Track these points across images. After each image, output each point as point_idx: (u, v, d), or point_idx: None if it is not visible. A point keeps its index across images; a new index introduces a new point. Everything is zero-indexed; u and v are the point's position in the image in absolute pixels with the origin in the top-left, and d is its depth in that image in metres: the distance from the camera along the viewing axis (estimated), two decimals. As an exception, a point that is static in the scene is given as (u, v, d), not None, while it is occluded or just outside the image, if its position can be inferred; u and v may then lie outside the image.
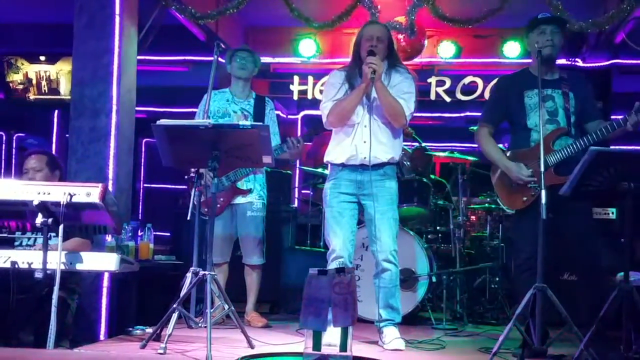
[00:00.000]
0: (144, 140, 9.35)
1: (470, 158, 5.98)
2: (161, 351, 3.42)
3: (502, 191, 4.01)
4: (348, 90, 4.08)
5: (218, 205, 4.76)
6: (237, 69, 4.94)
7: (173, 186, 8.63)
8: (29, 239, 3.84)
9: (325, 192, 4.22)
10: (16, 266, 3.32)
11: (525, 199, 3.81)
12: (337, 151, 4.12)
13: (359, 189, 4.09)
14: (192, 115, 5.00)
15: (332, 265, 4.00)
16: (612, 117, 5.15)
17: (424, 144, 6.22)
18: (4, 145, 9.48)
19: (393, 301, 4.11)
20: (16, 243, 3.84)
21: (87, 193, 3.26)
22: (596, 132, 3.72)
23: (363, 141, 4.01)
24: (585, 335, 3.33)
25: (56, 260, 3.24)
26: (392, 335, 3.99)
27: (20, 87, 7.82)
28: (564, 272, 4.81)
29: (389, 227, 4.08)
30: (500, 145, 4.13)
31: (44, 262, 3.23)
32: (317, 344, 3.05)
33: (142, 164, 9.64)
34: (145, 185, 9.70)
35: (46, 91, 7.75)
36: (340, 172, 4.12)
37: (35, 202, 3.23)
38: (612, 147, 3.82)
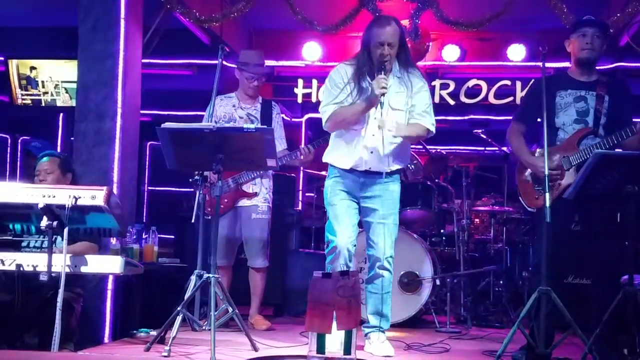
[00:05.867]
0: (149, 144, 9.36)
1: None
2: (165, 354, 3.43)
3: (525, 189, 4.01)
4: (354, 91, 3.88)
5: (221, 206, 4.78)
6: (247, 87, 4.95)
7: (177, 189, 8.65)
8: (35, 241, 3.85)
9: (326, 189, 4.07)
10: (21, 269, 3.33)
11: None
12: (340, 156, 3.99)
13: (361, 191, 3.97)
14: (197, 119, 5.02)
15: (333, 265, 3.89)
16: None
17: (441, 148, 6.24)
18: (9, 148, 9.51)
19: (384, 308, 3.97)
20: (23, 244, 3.85)
21: (92, 196, 3.27)
22: (616, 134, 3.72)
23: (370, 151, 3.89)
24: (590, 338, 3.33)
25: (61, 263, 3.25)
26: (379, 339, 3.89)
27: (25, 90, 7.83)
28: (573, 275, 4.82)
29: (389, 232, 3.97)
30: None
31: (49, 265, 3.24)
32: (321, 347, 3.06)
33: (147, 166, 9.65)
34: (149, 188, 9.71)
35: (52, 94, 7.77)
36: (345, 172, 3.99)
37: (40, 205, 3.24)
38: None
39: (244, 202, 4.88)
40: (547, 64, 3.70)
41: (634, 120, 3.83)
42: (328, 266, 3.94)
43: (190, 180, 4.06)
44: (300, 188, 8.14)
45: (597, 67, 4.01)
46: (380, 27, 3.85)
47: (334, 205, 3.99)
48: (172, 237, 6.86)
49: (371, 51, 3.88)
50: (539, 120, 4.02)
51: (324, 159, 4.11)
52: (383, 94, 3.72)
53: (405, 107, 3.97)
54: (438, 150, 6.37)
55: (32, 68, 7.72)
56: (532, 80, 4.35)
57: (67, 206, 3.23)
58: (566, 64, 4.08)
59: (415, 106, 3.99)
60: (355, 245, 4.01)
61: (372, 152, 3.90)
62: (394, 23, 3.88)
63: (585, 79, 3.94)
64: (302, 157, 4.76)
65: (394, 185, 4.02)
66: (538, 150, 3.98)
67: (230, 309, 3.77)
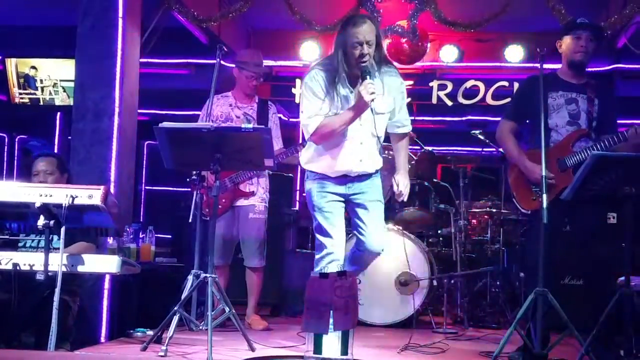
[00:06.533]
0: (146, 143, 9.35)
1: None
2: (162, 354, 3.43)
3: (519, 190, 3.99)
4: (335, 99, 3.72)
5: (219, 206, 4.77)
6: (246, 86, 4.96)
7: (174, 189, 8.64)
8: (32, 240, 3.85)
9: (310, 192, 3.89)
10: (18, 268, 3.33)
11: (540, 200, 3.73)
12: (327, 165, 3.83)
13: (349, 189, 3.85)
14: (194, 118, 5.01)
15: (330, 268, 3.76)
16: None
17: (430, 149, 6.24)
18: (6, 147, 9.49)
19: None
20: (20, 244, 3.85)
21: (89, 195, 3.27)
22: (608, 139, 3.74)
23: (359, 160, 3.79)
24: (586, 339, 3.33)
25: (58, 263, 3.25)
26: None
27: (23, 89, 7.82)
28: (570, 276, 4.83)
29: (381, 220, 3.89)
30: None
31: (46, 264, 3.24)
32: (318, 347, 3.06)
33: (144, 166, 9.65)
34: (147, 187, 9.72)
35: (50, 93, 7.77)
36: (331, 177, 3.86)
37: (37, 204, 3.23)
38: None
39: (241, 202, 4.88)
40: (545, 66, 3.69)
41: (619, 121, 3.86)
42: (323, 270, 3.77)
43: (188, 180, 4.05)
44: (298, 188, 8.15)
45: (596, 69, 4.03)
46: (356, 26, 3.64)
47: (323, 208, 3.85)
48: (169, 236, 6.87)
49: (348, 53, 3.67)
50: (527, 121, 4.04)
51: (305, 166, 3.95)
52: (373, 100, 3.55)
53: (388, 109, 3.86)
54: (427, 149, 6.35)
55: (33, 67, 7.70)
56: (526, 78, 4.31)
57: (64, 205, 3.22)
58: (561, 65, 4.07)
59: (398, 109, 3.91)
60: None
61: (361, 160, 3.81)
62: (369, 21, 3.69)
63: (576, 81, 3.95)
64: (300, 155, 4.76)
65: (377, 179, 3.93)
66: (528, 151, 3.97)
67: (227, 309, 3.77)
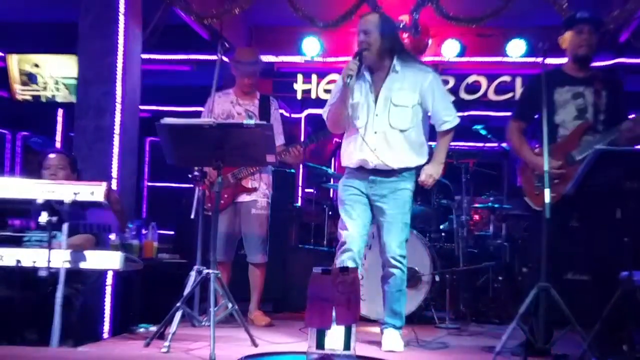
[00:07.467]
0: (148, 139, 9.37)
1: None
2: (165, 350, 3.43)
3: (529, 188, 3.97)
4: (355, 88, 3.89)
5: (221, 201, 4.78)
6: (241, 83, 4.96)
7: (177, 185, 8.65)
8: (40, 236, 3.86)
9: (339, 187, 4.10)
10: (20, 264, 3.33)
11: (553, 195, 3.65)
12: (348, 155, 4.00)
13: (371, 189, 3.93)
14: (196, 114, 5.01)
15: (341, 258, 3.87)
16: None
17: (433, 144, 6.23)
18: (8, 144, 9.50)
19: (396, 306, 3.98)
20: (25, 239, 3.86)
21: (92, 192, 3.27)
22: (609, 131, 3.73)
23: (373, 148, 3.85)
24: (589, 335, 3.33)
25: (60, 259, 3.25)
26: (389, 337, 3.91)
27: (25, 86, 7.82)
28: (573, 271, 4.83)
29: (399, 231, 3.92)
30: None
31: (48, 261, 3.24)
32: (320, 343, 3.06)
33: (146, 162, 9.66)
34: (149, 184, 9.72)
35: (52, 90, 7.76)
36: (354, 170, 3.99)
37: (40, 201, 3.24)
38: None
39: (243, 198, 4.88)
40: (547, 60, 3.68)
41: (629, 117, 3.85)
42: (337, 262, 3.90)
43: (190, 176, 4.05)
44: (300, 184, 8.16)
45: (598, 63, 4.00)
46: (361, 18, 3.96)
47: (344, 201, 3.98)
48: (172, 232, 6.88)
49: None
50: (536, 117, 4.03)
51: (342, 163, 4.12)
52: (350, 76, 3.71)
53: (412, 103, 3.91)
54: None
55: (35, 65, 7.70)
56: (531, 77, 4.30)
57: (66, 202, 3.23)
58: (566, 60, 4.06)
59: (436, 104, 3.97)
60: (365, 241, 4.01)
61: (375, 150, 3.85)
62: (374, 13, 3.97)
63: (582, 75, 3.93)
64: (293, 154, 4.77)
65: (404, 184, 3.95)
66: (537, 149, 3.97)
67: (229, 305, 3.77)
